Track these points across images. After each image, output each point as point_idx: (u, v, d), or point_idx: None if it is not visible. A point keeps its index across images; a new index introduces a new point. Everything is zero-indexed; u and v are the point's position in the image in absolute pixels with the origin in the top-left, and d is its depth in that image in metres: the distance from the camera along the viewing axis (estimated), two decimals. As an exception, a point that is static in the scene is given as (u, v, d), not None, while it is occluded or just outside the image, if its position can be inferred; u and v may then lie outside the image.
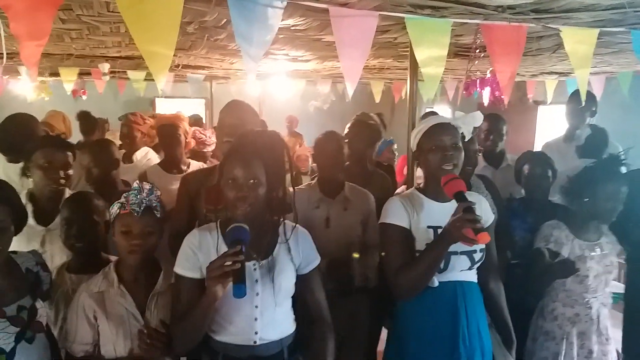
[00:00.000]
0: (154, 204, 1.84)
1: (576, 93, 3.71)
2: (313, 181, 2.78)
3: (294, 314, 1.83)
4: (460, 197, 1.75)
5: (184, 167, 3.15)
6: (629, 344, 2.76)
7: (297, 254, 1.76)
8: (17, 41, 1.78)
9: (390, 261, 1.92)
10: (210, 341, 1.71)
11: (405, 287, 1.87)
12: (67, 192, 2.55)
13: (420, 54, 2.21)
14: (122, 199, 1.85)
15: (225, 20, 2.54)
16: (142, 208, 1.80)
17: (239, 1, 1.93)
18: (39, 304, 1.83)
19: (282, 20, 2.44)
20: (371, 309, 2.75)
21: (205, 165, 3.27)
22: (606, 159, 2.38)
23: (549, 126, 6.64)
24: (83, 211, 2.11)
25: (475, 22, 2.25)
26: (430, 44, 2.20)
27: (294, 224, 1.80)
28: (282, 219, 1.75)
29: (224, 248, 1.65)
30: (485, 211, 2.02)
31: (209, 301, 1.55)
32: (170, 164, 3.15)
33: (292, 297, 1.80)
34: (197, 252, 1.68)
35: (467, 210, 1.68)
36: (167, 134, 3.16)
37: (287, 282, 1.72)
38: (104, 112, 5.70)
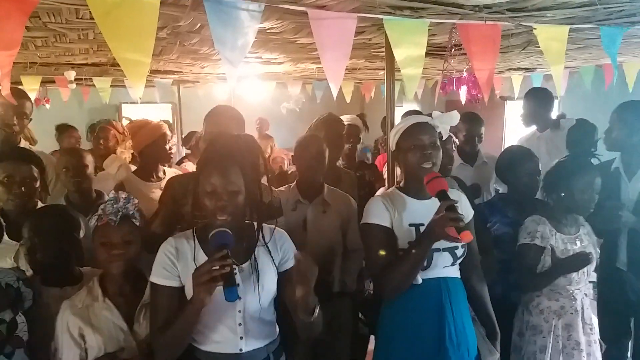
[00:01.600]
0: (131, 212, 1.81)
1: (535, 91, 3.86)
2: (293, 183, 2.76)
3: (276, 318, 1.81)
4: (442, 195, 1.76)
5: (161, 175, 3.09)
6: (604, 330, 2.84)
7: (277, 253, 1.75)
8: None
9: (374, 261, 1.94)
10: (195, 351, 1.67)
11: (390, 287, 1.89)
12: (40, 205, 2.46)
13: (399, 55, 2.22)
14: (100, 211, 1.80)
15: (199, 24, 2.49)
16: (118, 217, 1.77)
17: (216, 5, 1.90)
18: (20, 318, 1.79)
19: (260, 23, 2.42)
20: (354, 313, 2.74)
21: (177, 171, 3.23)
22: (577, 152, 2.44)
23: (518, 121, 6.76)
24: (56, 228, 2.03)
25: (452, 21, 2.27)
26: (409, 45, 2.21)
27: (272, 226, 1.78)
28: (257, 224, 1.72)
29: (201, 255, 1.63)
30: (465, 207, 2.05)
31: (196, 308, 1.52)
32: (148, 172, 3.08)
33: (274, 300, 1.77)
34: (175, 261, 1.64)
35: (449, 208, 1.70)
36: (159, 147, 3.07)
37: (269, 283, 1.70)
38: (69, 120, 5.54)
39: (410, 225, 1.91)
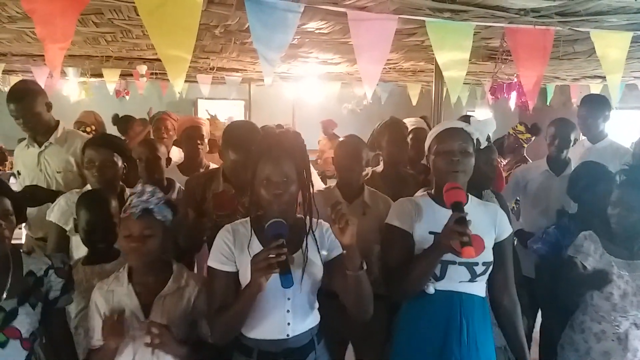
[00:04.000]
0: (152, 207, 1.83)
1: (588, 97, 3.59)
2: (333, 184, 2.77)
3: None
4: (456, 207, 1.70)
5: (202, 170, 3.18)
6: None
7: (323, 243, 1.80)
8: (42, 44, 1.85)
9: (387, 261, 1.94)
10: (243, 339, 1.75)
11: (397, 290, 1.88)
12: (128, 191, 2.59)
13: (441, 58, 2.17)
14: (128, 202, 1.86)
15: (248, 24, 2.57)
16: (138, 211, 1.80)
17: (257, 5, 1.95)
18: (25, 309, 1.76)
19: (303, 24, 2.46)
20: (388, 315, 2.72)
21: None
22: (630, 169, 2.27)
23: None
24: (103, 211, 2.15)
25: (499, 25, 2.20)
26: (452, 48, 2.16)
27: (315, 219, 1.82)
28: (307, 214, 1.78)
29: (255, 243, 1.71)
30: (501, 224, 1.96)
31: (253, 292, 1.59)
32: (189, 166, 3.20)
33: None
34: (232, 247, 1.73)
35: (458, 221, 1.65)
36: (191, 136, 3.21)
37: (317, 273, 1.75)
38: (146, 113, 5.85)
39: (431, 233, 1.86)
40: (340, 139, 2.71)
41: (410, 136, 3.31)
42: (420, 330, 1.86)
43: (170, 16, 1.83)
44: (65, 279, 1.88)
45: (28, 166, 2.93)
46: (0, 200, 1.72)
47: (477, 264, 1.81)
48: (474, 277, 1.83)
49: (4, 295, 1.71)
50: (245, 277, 1.64)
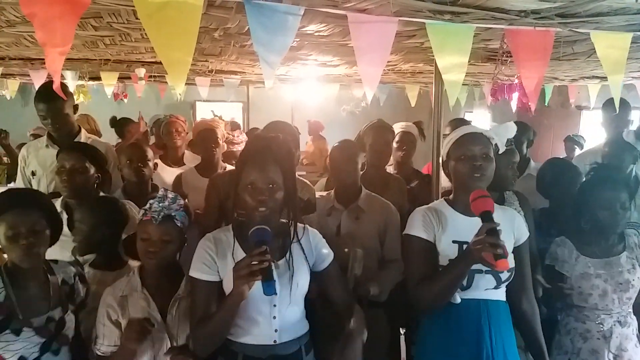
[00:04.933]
0: (174, 213, 1.85)
1: (611, 100, 3.60)
2: (333, 189, 2.76)
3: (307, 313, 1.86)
4: (486, 217, 1.68)
5: (220, 171, 3.19)
6: None
7: (311, 252, 1.80)
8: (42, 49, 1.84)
9: (411, 273, 1.89)
10: (229, 343, 1.73)
11: (424, 301, 1.84)
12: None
13: (441, 60, 2.17)
14: (147, 205, 1.88)
15: (247, 27, 2.56)
16: (160, 216, 1.83)
17: (257, 8, 1.95)
18: (68, 316, 1.86)
19: (302, 26, 2.45)
20: (389, 322, 2.69)
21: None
22: (598, 167, 2.32)
23: (593, 132, 6.39)
24: (103, 218, 2.14)
25: (500, 27, 2.19)
26: (452, 50, 2.15)
27: (303, 225, 1.84)
28: (292, 221, 1.78)
29: (239, 251, 1.70)
30: (519, 228, 1.95)
31: (236, 301, 1.58)
32: (206, 168, 3.20)
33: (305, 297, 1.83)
34: (214, 256, 1.71)
35: (490, 232, 1.62)
36: (206, 139, 3.21)
37: (302, 280, 1.76)
38: (146, 116, 5.83)
39: (454, 242, 1.85)
40: (335, 144, 2.69)
41: (397, 139, 3.31)
42: (449, 341, 1.84)
43: (170, 19, 1.82)
44: (87, 286, 1.98)
45: (47, 167, 2.92)
46: (31, 215, 1.70)
47: (502, 271, 1.79)
48: (499, 283, 1.83)
49: (49, 306, 1.79)
50: (229, 286, 1.62)
